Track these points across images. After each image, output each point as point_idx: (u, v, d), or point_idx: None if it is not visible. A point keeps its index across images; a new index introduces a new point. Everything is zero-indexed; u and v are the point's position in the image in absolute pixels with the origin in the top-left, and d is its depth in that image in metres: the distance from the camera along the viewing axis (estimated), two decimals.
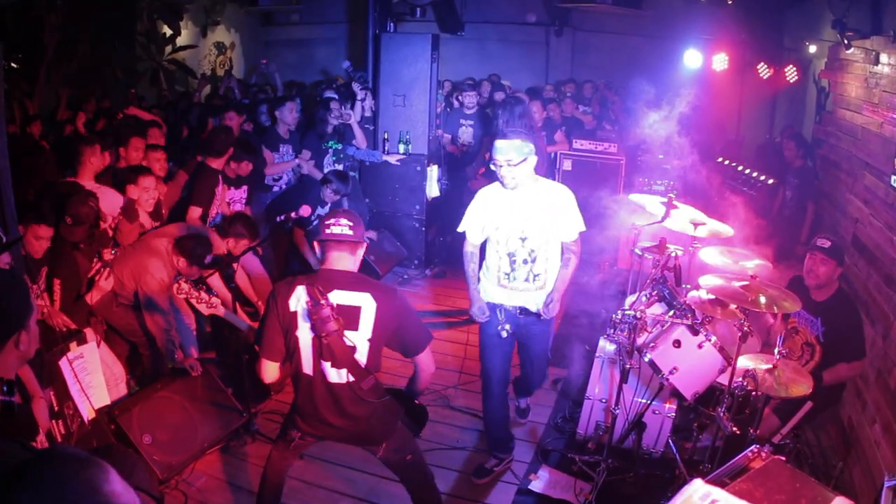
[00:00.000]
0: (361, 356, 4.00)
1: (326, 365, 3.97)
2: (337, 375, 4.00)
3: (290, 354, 4.04)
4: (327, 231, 4.02)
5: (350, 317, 3.93)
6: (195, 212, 7.30)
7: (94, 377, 5.73)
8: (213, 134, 7.81)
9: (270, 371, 4.13)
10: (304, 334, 3.95)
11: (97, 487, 1.68)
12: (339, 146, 9.57)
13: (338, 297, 3.92)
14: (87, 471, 1.70)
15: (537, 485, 5.61)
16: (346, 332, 3.89)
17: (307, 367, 4.01)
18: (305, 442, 4.37)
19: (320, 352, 3.94)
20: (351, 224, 4.03)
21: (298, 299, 3.92)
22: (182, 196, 7.71)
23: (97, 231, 6.29)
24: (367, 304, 3.96)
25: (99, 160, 6.90)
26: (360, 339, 3.97)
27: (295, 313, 3.93)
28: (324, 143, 9.40)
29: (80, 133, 9.06)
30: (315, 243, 4.13)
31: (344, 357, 3.92)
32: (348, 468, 5.73)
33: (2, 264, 3.56)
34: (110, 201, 6.56)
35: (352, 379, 4.00)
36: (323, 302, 3.81)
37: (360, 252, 4.15)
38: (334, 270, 4.03)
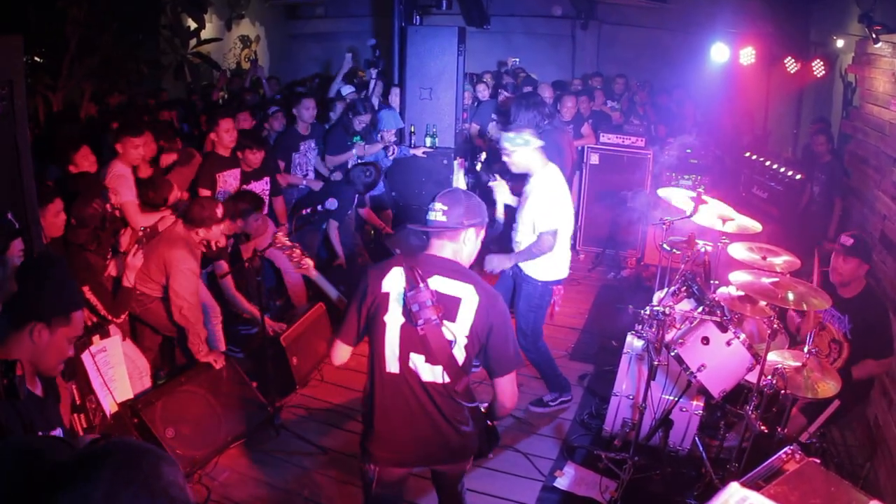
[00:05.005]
0: (459, 353, 3.51)
1: (419, 360, 3.52)
2: (431, 373, 3.53)
3: (373, 346, 3.60)
4: (426, 217, 3.66)
5: (448, 307, 3.47)
6: (204, 193, 7.34)
7: (116, 370, 5.73)
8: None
9: (341, 353, 3.70)
10: (394, 319, 3.51)
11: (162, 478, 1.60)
12: (364, 142, 9.53)
13: (438, 283, 3.50)
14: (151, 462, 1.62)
15: (562, 482, 5.58)
16: (445, 322, 3.46)
17: (392, 362, 3.56)
18: (387, 474, 3.78)
19: (411, 343, 3.50)
20: (445, 208, 3.59)
21: (394, 281, 3.53)
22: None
23: (102, 234, 5.97)
24: (468, 296, 3.51)
25: (139, 151, 6.73)
26: (458, 333, 3.48)
27: (387, 294, 3.52)
28: (349, 139, 9.40)
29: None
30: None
31: (441, 351, 3.46)
32: None
33: (15, 252, 3.53)
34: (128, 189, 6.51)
35: (447, 380, 3.53)
36: (422, 286, 3.42)
37: (466, 237, 3.67)
38: (437, 256, 3.63)
